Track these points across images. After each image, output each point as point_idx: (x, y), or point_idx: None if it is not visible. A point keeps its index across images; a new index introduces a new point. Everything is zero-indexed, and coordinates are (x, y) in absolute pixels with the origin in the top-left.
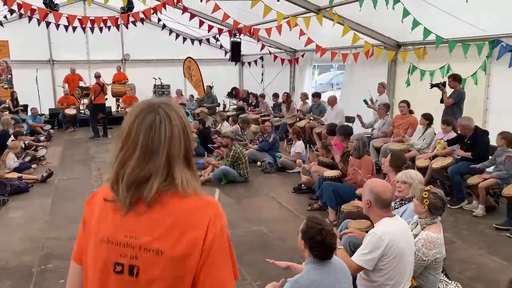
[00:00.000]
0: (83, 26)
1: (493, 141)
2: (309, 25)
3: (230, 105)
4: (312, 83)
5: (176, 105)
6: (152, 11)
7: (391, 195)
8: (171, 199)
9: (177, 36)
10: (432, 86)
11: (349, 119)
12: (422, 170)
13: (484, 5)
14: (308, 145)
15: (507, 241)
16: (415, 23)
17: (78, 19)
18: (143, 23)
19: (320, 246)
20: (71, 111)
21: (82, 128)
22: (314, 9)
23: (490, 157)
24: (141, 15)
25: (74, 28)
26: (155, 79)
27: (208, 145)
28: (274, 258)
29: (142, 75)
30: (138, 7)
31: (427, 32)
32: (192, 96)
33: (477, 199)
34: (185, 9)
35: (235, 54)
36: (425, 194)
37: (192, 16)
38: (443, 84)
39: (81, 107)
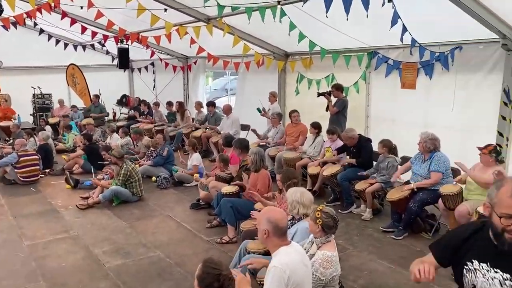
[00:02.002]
0: None
1: (375, 146)
2: (201, 34)
3: (120, 114)
4: (206, 88)
5: None
6: (25, 15)
7: (287, 221)
8: None
9: (58, 41)
10: (319, 94)
11: (245, 127)
12: (314, 177)
13: (363, 20)
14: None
15: (392, 244)
16: (301, 36)
17: None
18: (16, 27)
19: None
20: None
21: None
22: (204, 18)
23: (374, 162)
24: (12, 19)
25: None
26: (34, 88)
27: (98, 161)
28: (172, 287)
29: (18, 84)
30: (9, 11)
31: (312, 44)
32: (74, 106)
33: (365, 203)
34: (64, 14)
35: (123, 60)
36: (318, 214)
37: (73, 21)
38: (329, 93)
39: None
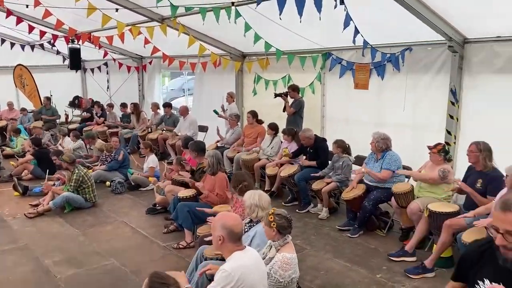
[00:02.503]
0: None
1: (329, 146)
2: (155, 34)
3: (73, 116)
4: (163, 88)
5: None
6: None
7: (242, 226)
8: None
9: (3, 41)
10: (276, 95)
11: (203, 128)
12: (272, 178)
13: (316, 22)
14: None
15: (348, 242)
16: (257, 37)
17: None
18: None
19: None
20: None
21: None
22: (158, 18)
23: (329, 162)
24: None
25: None
26: None
27: (49, 167)
28: None
29: None
30: None
31: (268, 45)
32: (24, 109)
33: (322, 202)
34: (9, 13)
35: (75, 61)
36: (271, 218)
37: (20, 20)
38: (286, 94)
39: None
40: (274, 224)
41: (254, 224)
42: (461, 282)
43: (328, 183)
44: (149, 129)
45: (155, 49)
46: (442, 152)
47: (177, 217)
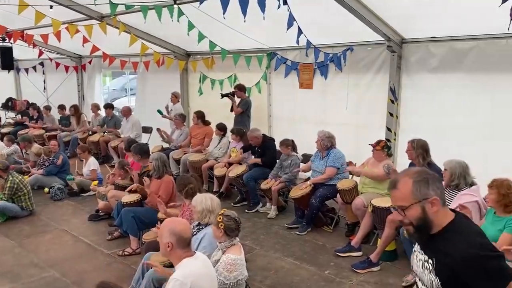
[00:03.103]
0: None
1: (277, 145)
2: (94, 32)
3: (6, 119)
4: (104, 89)
5: None
6: None
7: (190, 231)
8: None
9: None
10: (223, 96)
11: (147, 129)
12: (220, 179)
13: (261, 21)
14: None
15: (297, 240)
16: (201, 36)
17: None
18: None
19: None
20: None
21: None
22: (97, 16)
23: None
24: None
25: None
26: None
27: None
28: None
29: None
30: None
31: (212, 44)
32: None
33: (271, 201)
34: None
35: (7, 60)
36: (219, 219)
37: None
38: (232, 94)
39: None
40: (221, 225)
41: (203, 226)
42: None
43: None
44: (89, 131)
45: (95, 48)
46: (385, 149)
47: (122, 223)
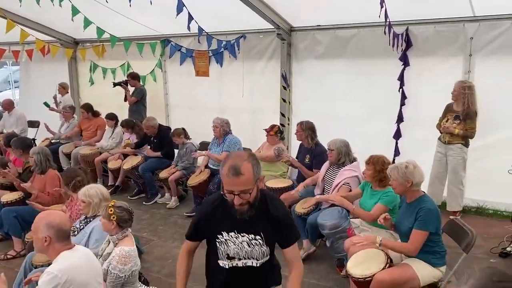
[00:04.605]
0: None
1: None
2: None
3: None
4: None
5: None
6: None
7: (69, 223)
8: None
9: None
10: (115, 85)
11: (33, 123)
12: (115, 172)
13: (152, 8)
14: None
15: None
16: (87, 22)
17: None
18: None
19: None
20: None
21: None
22: None
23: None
24: None
25: None
26: None
27: None
28: None
29: None
30: None
31: (100, 31)
32: None
33: (169, 191)
34: None
35: None
36: (111, 211)
37: None
38: (125, 83)
39: None
40: (114, 217)
41: (91, 220)
42: (196, 241)
43: (174, 172)
44: None
45: None
46: (278, 133)
47: (2, 225)
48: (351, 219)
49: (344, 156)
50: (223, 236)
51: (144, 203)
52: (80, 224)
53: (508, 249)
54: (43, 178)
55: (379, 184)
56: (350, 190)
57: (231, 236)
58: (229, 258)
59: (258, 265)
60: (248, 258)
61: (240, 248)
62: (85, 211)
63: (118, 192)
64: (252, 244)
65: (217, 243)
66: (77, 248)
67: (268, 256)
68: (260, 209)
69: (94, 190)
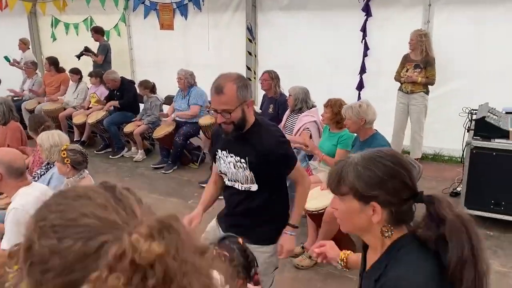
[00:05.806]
0: None
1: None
2: None
3: None
4: None
5: None
6: None
7: (23, 162)
8: None
9: None
10: (79, 57)
11: None
12: (80, 127)
13: None
14: None
15: (163, 178)
16: None
17: None
18: None
19: None
20: None
21: None
22: None
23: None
24: None
25: None
26: None
27: None
28: None
29: None
30: None
31: None
32: None
33: (135, 145)
34: None
35: None
36: (64, 154)
37: None
38: (87, 49)
39: None
40: (68, 160)
41: (51, 166)
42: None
43: (139, 126)
44: None
45: None
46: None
47: None
48: (309, 162)
49: (301, 102)
50: (218, 154)
51: (110, 156)
52: (41, 171)
53: (458, 189)
54: (5, 129)
55: (336, 126)
56: (310, 135)
57: (223, 154)
58: (223, 174)
59: (242, 188)
60: (234, 181)
61: (227, 168)
62: (43, 156)
63: (85, 147)
64: (237, 166)
65: (215, 158)
66: (34, 184)
67: (255, 185)
68: (251, 137)
69: (47, 135)
